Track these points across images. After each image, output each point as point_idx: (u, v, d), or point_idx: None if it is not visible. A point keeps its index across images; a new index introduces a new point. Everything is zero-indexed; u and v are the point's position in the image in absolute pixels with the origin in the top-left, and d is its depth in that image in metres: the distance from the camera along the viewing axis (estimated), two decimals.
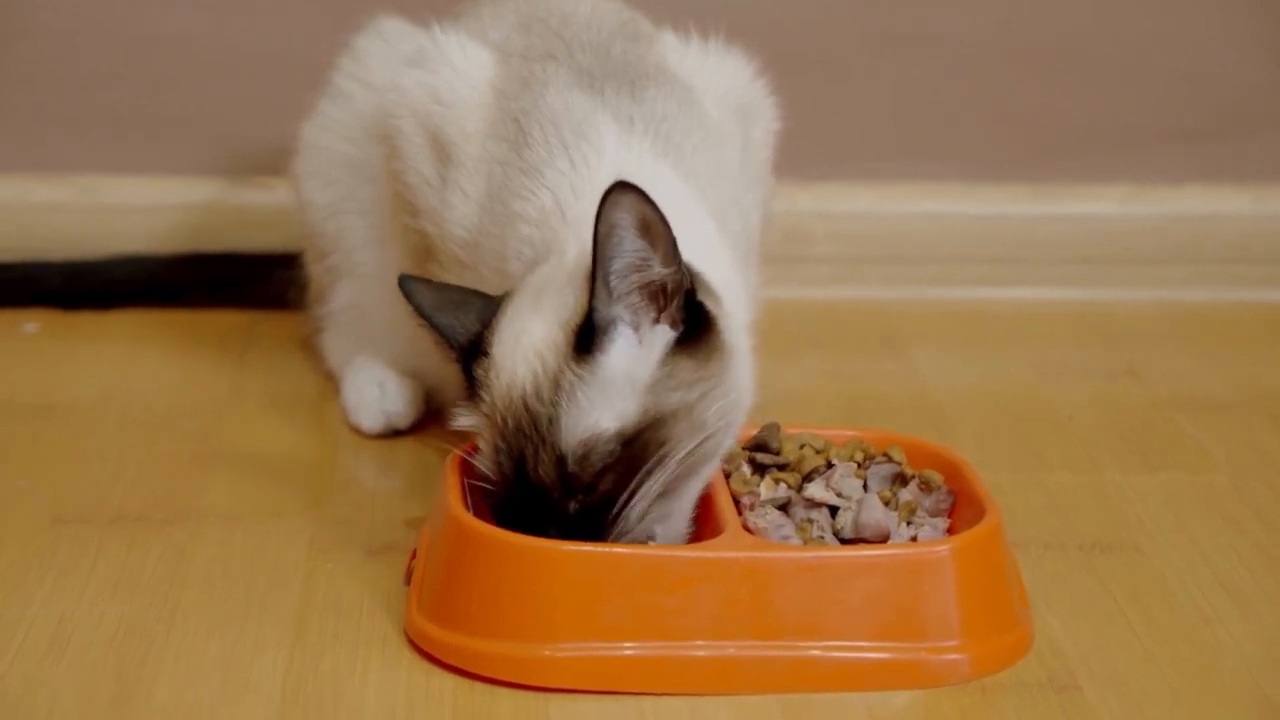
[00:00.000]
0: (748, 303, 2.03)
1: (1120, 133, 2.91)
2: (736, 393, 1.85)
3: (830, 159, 2.89)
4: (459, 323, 1.87)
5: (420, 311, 1.86)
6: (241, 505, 2.12)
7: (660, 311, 1.79)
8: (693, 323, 1.81)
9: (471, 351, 1.85)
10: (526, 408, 1.79)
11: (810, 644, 1.77)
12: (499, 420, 1.81)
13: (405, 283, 1.88)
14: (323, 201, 2.35)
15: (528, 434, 1.79)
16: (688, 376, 1.80)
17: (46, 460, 2.25)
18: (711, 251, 1.92)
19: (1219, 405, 2.49)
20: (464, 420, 1.86)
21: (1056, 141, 2.91)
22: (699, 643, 1.76)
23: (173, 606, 1.89)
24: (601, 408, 1.78)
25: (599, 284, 1.76)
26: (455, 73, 2.10)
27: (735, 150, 2.11)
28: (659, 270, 1.77)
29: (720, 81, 2.15)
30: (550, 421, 1.78)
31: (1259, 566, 2.02)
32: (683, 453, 1.80)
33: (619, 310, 1.78)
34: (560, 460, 1.78)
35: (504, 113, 2.04)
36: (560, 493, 1.78)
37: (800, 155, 2.80)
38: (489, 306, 1.87)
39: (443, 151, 2.07)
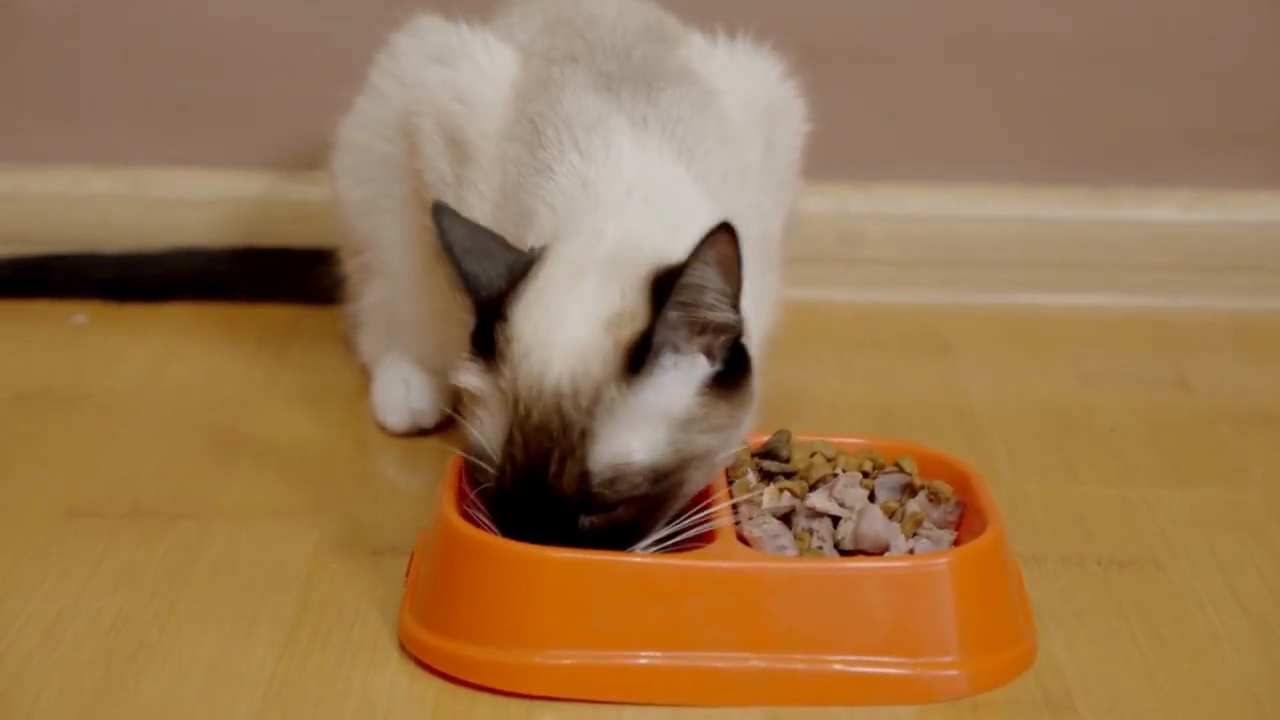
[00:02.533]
0: (765, 309, 2.01)
1: (1184, 135, 2.84)
2: (743, 430, 1.85)
3: (884, 160, 2.84)
4: (484, 272, 1.80)
5: (450, 250, 1.79)
6: (254, 502, 2.12)
7: (704, 344, 1.78)
8: (732, 365, 1.80)
9: (491, 309, 1.80)
10: (559, 410, 1.74)
11: (800, 656, 1.74)
12: (520, 409, 1.76)
13: (439, 213, 1.81)
14: (356, 199, 2.34)
15: (555, 437, 1.74)
16: (719, 420, 1.78)
17: (70, 451, 2.26)
18: None
19: (1268, 419, 2.43)
20: (469, 379, 1.80)
21: (1117, 144, 2.84)
22: (686, 653, 1.73)
23: (171, 603, 1.90)
24: (636, 433, 1.74)
25: (669, 311, 1.73)
26: (479, 71, 2.09)
27: (756, 152, 2.08)
28: (724, 313, 1.75)
29: (745, 83, 2.12)
30: (583, 434, 1.74)
31: None
32: (694, 491, 1.80)
33: (674, 337, 1.76)
34: (584, 476, 1.74)
35: (521, 114, 2.02)
36: (575, 506, 1.75)
37: (853, 156, 2.79)
38: (517, 261, 1.81)
39: (460, 150, 2.06)
